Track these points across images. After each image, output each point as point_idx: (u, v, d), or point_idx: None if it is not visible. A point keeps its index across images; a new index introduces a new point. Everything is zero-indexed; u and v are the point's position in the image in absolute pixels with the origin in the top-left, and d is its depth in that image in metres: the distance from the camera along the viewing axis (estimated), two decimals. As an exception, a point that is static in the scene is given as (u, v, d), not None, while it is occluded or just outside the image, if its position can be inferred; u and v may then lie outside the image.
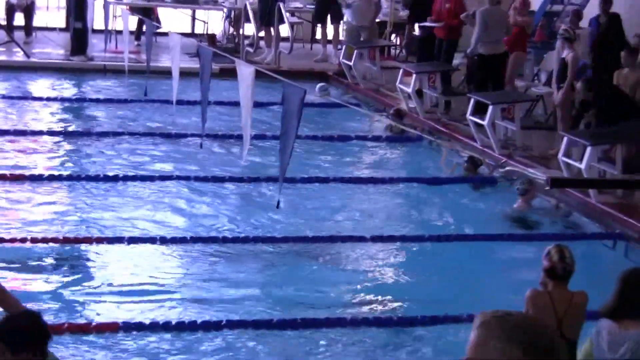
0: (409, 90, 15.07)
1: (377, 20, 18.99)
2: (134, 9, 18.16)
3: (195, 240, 9.64)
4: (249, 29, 19.57)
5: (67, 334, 7.41)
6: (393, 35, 20.38)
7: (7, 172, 11.32)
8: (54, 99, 15.46)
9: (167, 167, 12.18)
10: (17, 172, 11.44)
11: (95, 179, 11.42)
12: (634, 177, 10.87)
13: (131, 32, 18.15)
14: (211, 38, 19.65)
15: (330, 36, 19.34)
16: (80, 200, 10.86)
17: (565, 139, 11.67)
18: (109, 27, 17.49)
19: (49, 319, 7.61)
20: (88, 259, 9.27)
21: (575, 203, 11.28)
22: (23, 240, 9.18)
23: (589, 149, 11.12)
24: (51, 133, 13.41)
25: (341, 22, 19.32)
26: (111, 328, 7.59)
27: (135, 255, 9.24)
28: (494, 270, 9.46)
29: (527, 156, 12.72)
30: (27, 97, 15.51)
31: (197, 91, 12.74)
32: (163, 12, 20.51)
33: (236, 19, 20.17)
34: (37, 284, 8.51)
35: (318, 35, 20.22)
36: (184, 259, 9.35)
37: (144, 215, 10.42)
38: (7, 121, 13.87)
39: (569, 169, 11.39)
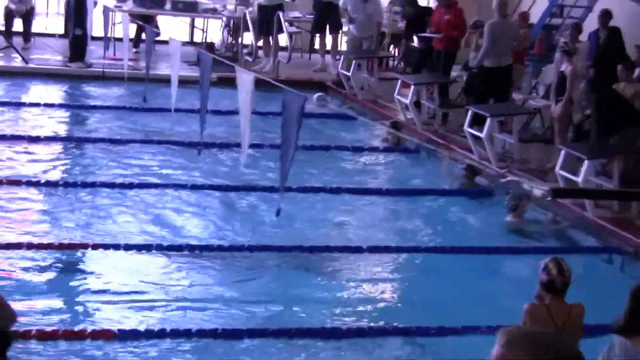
0: (407, 101, 15.08)
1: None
2: (133, 16, 18.16)
3: (191, 248, 9.64)
4: (248, 38, 19.59)
5: (62, 340, 7.41)
6: (391, 47, 20.42)
7: (3, 178, 11.31)
8: (52, 105, 15.45)
9: (165, 175, 12.18)
10: (14, 177, 11.43)
11: (93, 185, 11.42)
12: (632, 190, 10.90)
13: (130, 40, 18.16)
14: (210, 46, 19.66)
15: (328, 46, 19.37)
16: (77, 206, 10.84)
17: (562, 152, 11.69)
18: (108, 34, 17.49)
19: (44, 323, 7.64)
20: (85, 265, 9.28)
21: (571, 217, 11.30)
22: (19, 245, 9.18)
23: (586, 163, 11.14)
24: (49, 139, 13.40)
25: (340, 32, 19.35)
26: (107, 335, 7.58)
27: (131, 262, 9.24)
28: (490, 283, 9.46)
29: (524, 169, 12.73)
30: (25, 103, 15.49)
31: (196, 99, 12.78)
32: (162, 20, 20.52)
33: (235, 27, 20.20)
34: (33, 289, 8.49)
35: (317, 45, 20.24)
36: (180, 267, 9.33)
37: (141, 223, 10.42)
38: (5, 127, 13.86)
39: (567, 183, 11.40)
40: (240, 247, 9.72)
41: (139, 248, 9.47)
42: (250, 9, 19.33)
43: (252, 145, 11.42)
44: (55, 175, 11.83)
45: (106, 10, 16.58)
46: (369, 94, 17.31)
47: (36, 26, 19.32)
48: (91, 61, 17.79)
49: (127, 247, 9.40)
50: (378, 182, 12.91)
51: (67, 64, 17.75)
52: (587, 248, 10.67)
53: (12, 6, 18.72)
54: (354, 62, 17.17)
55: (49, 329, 7.58)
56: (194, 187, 11.57)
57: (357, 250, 9.89)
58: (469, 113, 13.42)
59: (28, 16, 18.87)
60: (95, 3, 17.39)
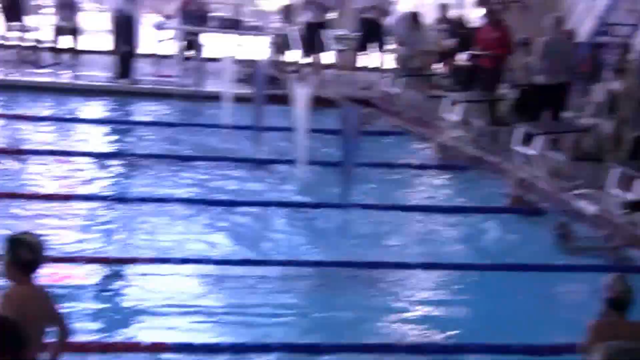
0: (455, 119, 15.00)
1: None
2: (181, 34, 18.27)
3: (239, 262, 9.62)
4: (294, 55, 19.60)
5: (119, 352, 7.42)
6: (439, 64, 20.34)
7: (53, 192, 11.36)
8: (100, 121, 15.54)
9: (213, 190, 12.17)
10: (63, 192, 11.48)
11: (142, 200, 11.44)
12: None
13: (178, 57, 18.26)
14: (257, 64, 19.66)
15: (375, 64, 19.34)
16: (126, 221, 10.86)
17: (614, 170, 11.57)
18: (155, 51, 17.60)
19: (92, 337, 7.65)
20: (132, 279, 9.27)
21: (624, 234, 11.16)
22: (69, 259, 9.20)
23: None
24: (98, 155, 13.49)
25: (386, 49, 19.33)
26: (161, 348, 7.56)
27: (180, 276, 9.23)
28: (545, 300, 9.35)
29: (575, 187, 12.60)
30: (73, 118, 15.58)
31: (244, 116, 12.82)
32: (207, 38, 20.57)
33: (280, 45, 20.21)
34: (81, 302, 8.49)
35: (363, 63, 20.22)
36: (227, 281, 9.30)
37: (190, 237, 10.41)
38: (55, 142, 13.94)
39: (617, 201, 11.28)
40: (290, 262, 9.69)
41: (188, 262, 9.46)
42: (296, 26, 19.36)
43: (308, 162, 11.42)
44: (102, 190, 11.90)
45: (157, 26, 16.67)
46: (416, 112, 17.24)
47: (84, 43, 19.43)
48: (139, 77, 17.87)
49: (176, 261, 9.42)
50: (429, 199, 12.83)
51: (115, 80, 17.84)
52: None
53: (61, 23, 18.88)
54: (401, 79, 17.13)
55: (105, 341, 7.60)
56: (244, 204, 11.56)
57: (408, 266, 9.82)
58: (519, 131, 13.31)
59: (75, 32, 19.01)
60: (141, 21, 17.52)
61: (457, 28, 18.62)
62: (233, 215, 11.21)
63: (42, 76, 17.95)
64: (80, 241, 9.99)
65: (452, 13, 20.45)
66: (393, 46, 18.86)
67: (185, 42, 18.59)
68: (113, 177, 12.78)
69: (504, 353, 7.88)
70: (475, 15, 20.33)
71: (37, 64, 18.59)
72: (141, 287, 9.05)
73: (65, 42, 18.99)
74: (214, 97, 14.46)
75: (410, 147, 15.53)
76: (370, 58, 19.30)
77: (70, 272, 8.99)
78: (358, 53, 20.21)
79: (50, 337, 5.55)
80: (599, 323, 6.09)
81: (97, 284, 8.96)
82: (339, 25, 20.20)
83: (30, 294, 5.43)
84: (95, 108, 16.78)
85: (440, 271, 10.03)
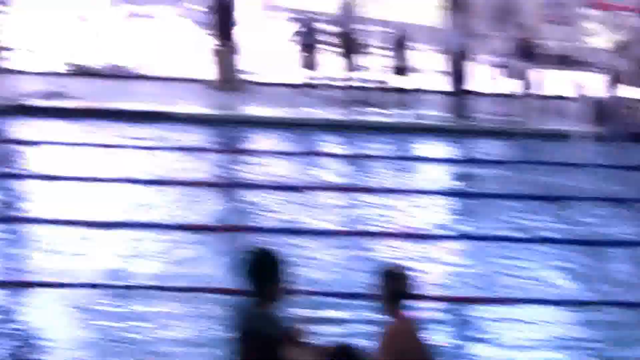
0: None
1: None
2: (515, 71, 18.27)
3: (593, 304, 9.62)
4: (628, 91, 19.02)
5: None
6: None
7: (400, 229, 11.72)
8: (440, 160, 15.83)
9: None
10: (407, 229, 11.79)
11: (502, 238, 11.57)
12: None
13: (515, 94, 18.26)
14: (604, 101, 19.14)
15: None
16: (482, 259, 10.94)
17: None
18: (491, 89, 17.67)
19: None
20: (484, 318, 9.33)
21: None
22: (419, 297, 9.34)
23: None
24: (442, 193, 13.85)
25: None
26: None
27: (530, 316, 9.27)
28: None
29: None
30: (415, 157, 16.02)
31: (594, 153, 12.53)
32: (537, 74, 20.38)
33: (614, 81, 19.64)
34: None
35: None
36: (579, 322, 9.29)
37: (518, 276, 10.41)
38: (396, 180, 14.42)
39: None
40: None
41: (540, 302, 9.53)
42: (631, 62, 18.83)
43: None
44: (449, 228, 12.11)
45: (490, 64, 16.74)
46: None
47: (418, 82, 19.64)
48: (477, 115, 18.00)
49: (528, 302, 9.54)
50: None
51: (454, 120, 18.05)
52: None
53: (393, 63, 19.22)
54: None
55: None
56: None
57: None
58: None
59: (404, 72, 19.29)
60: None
61: None
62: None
63: (377, 116, 18.43)
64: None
65: None
66: None
67: (520, 80, 18.55)
68: (457, 214, 13.06)
69: None
70: None
71: (369, 104, 19.06)
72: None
73: (396, 81, 19.36)
74: (557, 135, 14.35)
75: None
76: None
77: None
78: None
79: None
80: None
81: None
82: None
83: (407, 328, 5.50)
84: (436, 147, 17.02)
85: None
